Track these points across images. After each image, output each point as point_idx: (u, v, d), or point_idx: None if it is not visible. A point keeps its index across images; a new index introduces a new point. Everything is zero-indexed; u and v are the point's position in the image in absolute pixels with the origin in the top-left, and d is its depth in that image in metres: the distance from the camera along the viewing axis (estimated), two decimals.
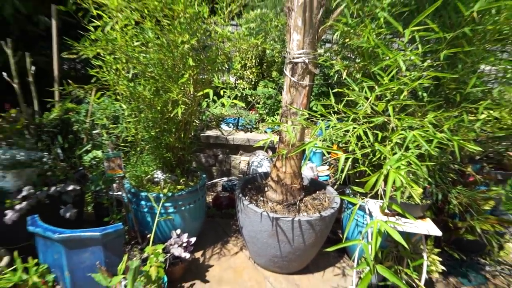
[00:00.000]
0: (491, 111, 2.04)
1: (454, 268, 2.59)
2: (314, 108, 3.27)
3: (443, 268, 2.24)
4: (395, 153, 1.42)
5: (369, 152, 1.61)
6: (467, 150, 1.75)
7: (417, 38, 1.66)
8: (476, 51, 1.99)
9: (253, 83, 4.29)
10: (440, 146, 1.54)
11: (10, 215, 1.99)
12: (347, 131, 1.54)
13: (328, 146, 1.59)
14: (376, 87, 1.64)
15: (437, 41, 1.93)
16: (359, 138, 1.53)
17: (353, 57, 2.36)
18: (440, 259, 2.22)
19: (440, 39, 1.81)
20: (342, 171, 1.61)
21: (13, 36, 2.53)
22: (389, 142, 1.51)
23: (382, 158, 1.57)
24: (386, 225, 1.35)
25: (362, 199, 2.35)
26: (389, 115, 1.60)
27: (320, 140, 1.55)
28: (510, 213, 2.74)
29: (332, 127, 1.59)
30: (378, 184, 1.32)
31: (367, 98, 1.66)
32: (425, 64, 1.77)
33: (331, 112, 1.72)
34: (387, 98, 1.64)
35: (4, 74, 2.56)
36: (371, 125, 1.58)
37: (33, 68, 2.65)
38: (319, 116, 1.68)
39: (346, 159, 1.47)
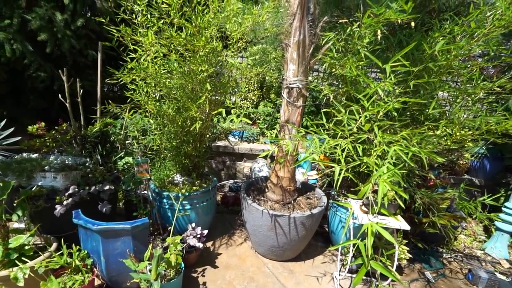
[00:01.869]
0: (446, 129, 2.01)
1: (418, 256, 2.52)
2: (305, 124, 3.23)
3: (410, 256, 2.18)
4: (378, 165, 1.38)
5: (355, 163, 1.55)
6: (430, 159, 1.71)
7: (389, 71, 1.63)
8: (434, 81, 1.98)
9: (255, 103, 4.26)
10: (411, 157, 1.49)
11: (58, 209, 1.94)
12: (337, 145, 1.50)
13: (317, 158, 1.53)
14: (361, 111, 1.61)
15: (405, 73, 1.90)
16: (343, 150, 1.48)
17: (337, 83, 2.33)
18: (408, 248, 2.16)
19: (408, 71, 1.78)
20: (332, 178, 1.56)
21: (67, 66, 2.52)
22: (374, 154, 1.46)
23: (364, 167, 1.51)
24: (377, 226, 1.29)
25: (346, 199, 2.29)
26: (370, 132, 1.56)
27: (312, 153, 1.50)
28: (461, 211, 2.68)
29: (326, 142, 1.54)
30: (367, 191, 1.27)
31: (355, 120, 1.62)
32: (397, 91, 1.74)
33: (322, 129, 1.68)
34: (367, 118, 1.59)
35: (59, 95, 2.54)
36: (358, 141, 1.54)
37: (81, 90, 2.63)
38: (312, 132, 1.64)
39: (340, 170, 1.41)
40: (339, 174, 1.38)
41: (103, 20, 1.80)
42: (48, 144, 2.40)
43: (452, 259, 2.59)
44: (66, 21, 3.42)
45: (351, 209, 1.44)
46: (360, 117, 1.57)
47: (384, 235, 1.30)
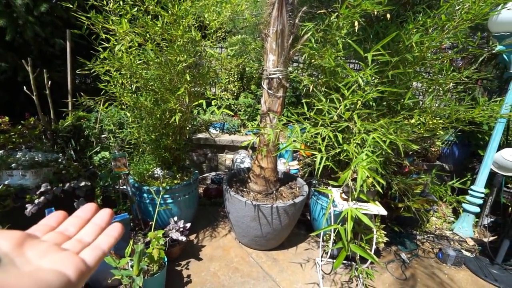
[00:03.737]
0: (420, 117, 2.13)
1: (394, 239, 2.68)
2: (285, 114, 3.27)
3: (387, 239, 2.31)
4: (358, 152, 1.43)
5: (335, 151, 1.60)
6: (406, 147, 1.80)
7: (370, 60, 1.68)
8: (410, 71, 2.07)
9: (235, 94, 4.24)
10: (388, 145, 1.56)
11: (29, 208, 1.85)
12: (318, 133, 1.53)
13: (299, 146, 1.56)
14: (341, 99, 1.65)
15: (382, 63, 1.97)
16: (323, 139, 1.53)
17: (317, 74, 2.37)
18: (385, 232, 2.29)
19: (385, 62, 1.85)
20: (313, 168, 1.60)
21: (32, 56, 2.36)
22: (353, 142, 1.52)
23: (344, 155, 1.57)
24: (357, 211, 1.36)
25: (326, 187, 2.37)
26: (350, 121, 1.62)
27: (294, 141, 1.53)
28: (433, 195, 2.87)
29: (307, 131, 1.58)
30: (347, 177, 1.32)
31: (335, 108, 1.66)
32: (376, 81, 1.80)
33: (303, 118, 1.71)
34: (347, 107, 1.64)
35: (24, 87, 2.37)
36: (338, 129, 1.58)
37: (49, 82, 2.47)
38: (294, 121, 1.66)
39: (321, 158, 1.45)
40: (320, 162, 1.42)
41: (71, 6, 1.69)
42: (14, 140, 2.25)
43: (425, 240, 2.78)
44: (27, 6, 3.17)
45: (331, 195, 1.50)
46: (340, 106, 1.62)
47: (363, 219, 1.37)
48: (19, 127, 2.28)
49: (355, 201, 1.96)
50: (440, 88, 2.29)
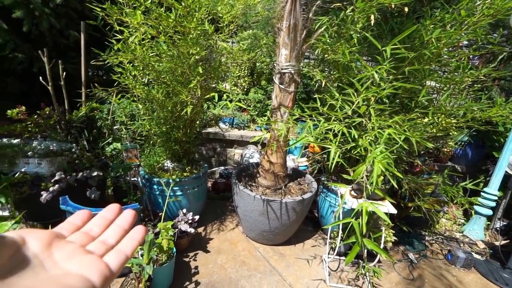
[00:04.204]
0: (434, 116, 2.08)
1: (403, 239, 2.64)
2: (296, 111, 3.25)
3: (395, 238, 2.28)
4: (372, 148, 1.41)
5: (346, 147, 1.58)
6: (417, 146, 1.76)
7: (389, 53, 1.64)
8: (427, 68, 2.02)
9: (245, 89, 4.23)
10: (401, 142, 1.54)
11: (45, 195, 1.91)
12: (330, 129, 1.52)
13: (311, 141, 1.55)
14: (356, 94, 1.62)
15: (396, 60, 1.93)
16: (335, 135, 1.51)
17: (329, 69, 2.34)
18: (393, 231, 2.26)
19: (399, 58, 1.81)
20: (322, 165, 1.59)
21: (47, 47, 2.41)
22: (365, 139, 1.50)
23: (356, 152, 1.55)
24: (372, 205, 1.34)
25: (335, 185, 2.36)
26: (364, 116, 1.59)
27: (306, 136, 1.52)
28: (443, 195, 2.82)
29: (320, 125, 1.56)
30: (362, 172, 1.31)
31: (350, 102, 1.64)
32: (390, 77, 1.77)
33: (316, 113, 1.69)
34: (359, 104, 1.62)
35: (40, 78, 2.43)
36: (352, 124, 1.56)
37: (64, 73, 2.52)
38: (307, 116, 1.65)
39: (335, 152, 1.44)
40: (334, 158, 1.41)
41: None
42: (30, 129, 2.31)
43: (434, 241, 2.74)
44: None
45: (344, 190, 1.48)
46: (357, 99, 1.59)
47: (379, 213, 1.35)
48: (35, 116, 2.33)
49: (366, 198, 1.94)
50: (456, 87, 2.23)
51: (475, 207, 2.81)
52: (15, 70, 3.45)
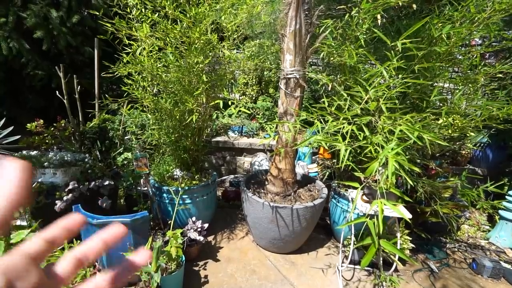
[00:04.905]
0: (448, 117, 2.00)
1: (421, 246, 2.51)
2: (303, 116, 3.23)
3: (413, 245, 2.17)
4: (383, 145, 1.36)
5: (360, 143, 1.53)
6: (434, 147, 1.69)
7: (400, 48, 1.61)
8: (439, 65, 1.96)
9: (253, 98, 4.26)
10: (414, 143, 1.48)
11: (59, 204, 1.97)
12: (337, 130, 1.48)
13: (320, 139, 1.51)
14: (364, 93, 1.59)
15: (406, 58, 1.89)
16: (344, 136, 1.47)
17: (335, 73, 2.32)
18: (410, 238, 2.15)
19: (409, 56, 1.77)
20: (332, 170, 1.55)
21: (65, 64, 2.55)
22: (381, 134, 1.44)
23: (367, 151, 1.49)
24: (389, 204, 1.28)
25: (346, 190, 2.29)
26: (374, 115, 1.55)
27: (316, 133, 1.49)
28: (463, 200, 2.67)
29: (329, 123, 1.52)
30: (375, 168, 1.26)
31: (360, 99, 1.60)
32: (400, 75, 1.73)
33: (321, 115, 1.67)
34: (369, 101, 1.58)
35: (57, 92, 2.55)
36: (362, 123, 1.52)
37: (78, 87, 2.64)
38: (315, 116, 1.62)
39: (346, 150, 1.39)
40: (344, 156, 1.37)
41: (97, 13, 1.80)
42: (47, 141, 2.41)
43: (456, 249, 2.58)
44: (61, 18, 3.42)
45: (357, 189, 1.42)
46: (368, 96, 1.54)
47: (396, 211, 1.29)
48: (52, 129, 2.44)
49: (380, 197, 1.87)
50: (470, 85, 2.14)
51: (500, 211, 2.64)
52: (35, 86, 3.66)
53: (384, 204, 1.24)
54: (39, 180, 2.14)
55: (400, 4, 1.61)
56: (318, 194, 2.32)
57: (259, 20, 2.32)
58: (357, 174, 1.61)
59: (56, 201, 1.97)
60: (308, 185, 2.50)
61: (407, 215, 1.81)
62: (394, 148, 1.24)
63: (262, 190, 2.37)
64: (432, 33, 1.82)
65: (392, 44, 1.56)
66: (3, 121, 2.86)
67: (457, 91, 2.18)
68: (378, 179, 1.43)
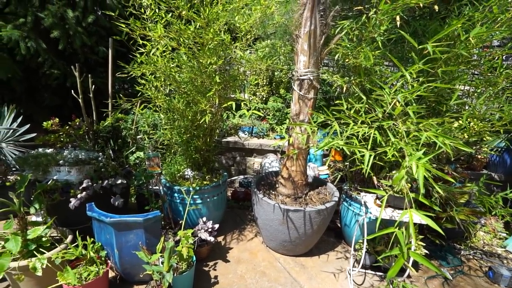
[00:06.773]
0: (466, 121, 1.93)
1: (435, 252, 2.44)
2: (315, 119, 3.19)
3: (426, 251, 2.11)
4: (408, 152, 1.32)
5: (382, 149, 1.49)
6: (447, 153, 1.63)
7: (431, 50, 1.56)
8: (452, 70, 1.90)
9: (264, 99, 4.23)
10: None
11: (73, 202, 1.99)
12: (353, 134, 1.45)
13: (341, 144, 1.48)
14: (388, 95, 1.55)
15: (426, 61, 1.83)
16: (362, 140, 1.44)
17: (349, 75, 2.27)
18: (424, 244, 2.09)
19: (428, 60, 1.72)
20: (344, 173, 1.51)
21: (79, 63, 2.58)
22: (396, 142, 1.41)
23: (389, 156, 1.45)
24: (417, 213, 1.26)
25: (358, 194, 2.25)
26: (395, 119, 1.51)
27: (334, 139, 1.45)
28: (480, 206, 2.58)
29: (349, 128, 1.49)
30: (402, 177, 1.23)
31: (383, 102, 1.56)
32: (421, 79, 1.68)
33: (344, 116, 1.63)
34: (384, 108, 1.54)
35: (72, 91, 2.59)
36: (383, 128, 1.49)
37: (93, 86, 2.67)
38: (333, 119, 1.59)
39: (370, 155, 1.37)
40: (368, 161, 1.34)
41: (113, 14, 1.81)
42: (62, 139, 2.45)
43: (471, 256, 2.50)
44: (77, 18, 3.48)
45: (375, 196, 1.39)
46: (394, 99, 1.50)
47: (426, 221, 1.26)
48: (66, 127, 2.48)
49: (393, 208, 1.82)
50: (491, 88, 2.06)
51: None
52: (51, 85, 3.73)
53: (414, 213, 1.20)
54: (54, 177, 2.17)
55: (421, 5, 1.56)
56: (330, 197, 2.28)
57: (272, 21, 2.28)
58: (376, 179, 1.57)
59: (71, 199, 2.00)
60: (319, 188, 2.47)
61: (424, 221, 1.76)
62: (422, 157, 1.20)
63: (273, 192, 2.35)
64: (449, 34, 1.76)
65: (420, 46, 1.51)
66: (20, 119, 2.93)
67: (480, 94, 2.11)
68: (390, 187, 1.39)
